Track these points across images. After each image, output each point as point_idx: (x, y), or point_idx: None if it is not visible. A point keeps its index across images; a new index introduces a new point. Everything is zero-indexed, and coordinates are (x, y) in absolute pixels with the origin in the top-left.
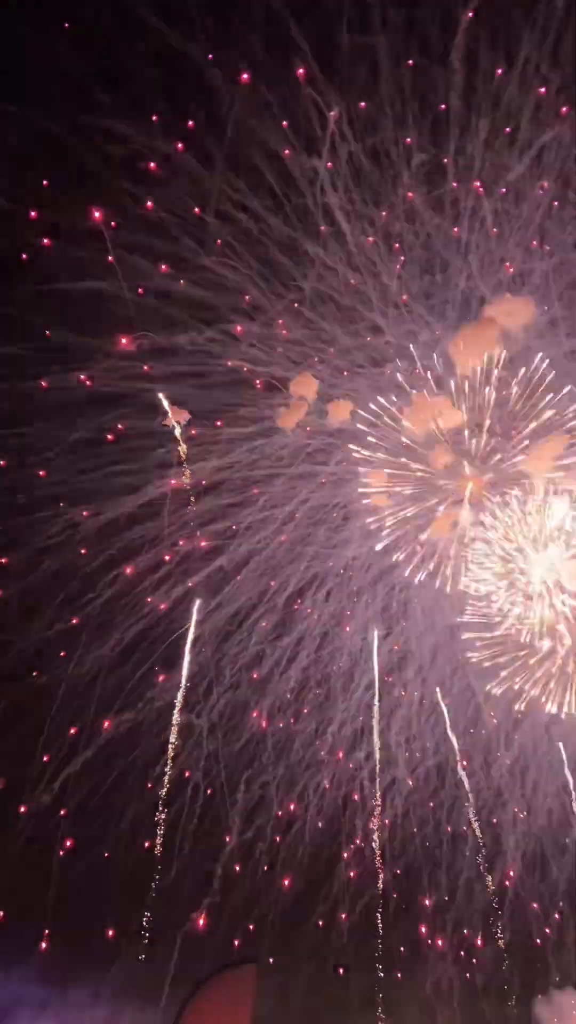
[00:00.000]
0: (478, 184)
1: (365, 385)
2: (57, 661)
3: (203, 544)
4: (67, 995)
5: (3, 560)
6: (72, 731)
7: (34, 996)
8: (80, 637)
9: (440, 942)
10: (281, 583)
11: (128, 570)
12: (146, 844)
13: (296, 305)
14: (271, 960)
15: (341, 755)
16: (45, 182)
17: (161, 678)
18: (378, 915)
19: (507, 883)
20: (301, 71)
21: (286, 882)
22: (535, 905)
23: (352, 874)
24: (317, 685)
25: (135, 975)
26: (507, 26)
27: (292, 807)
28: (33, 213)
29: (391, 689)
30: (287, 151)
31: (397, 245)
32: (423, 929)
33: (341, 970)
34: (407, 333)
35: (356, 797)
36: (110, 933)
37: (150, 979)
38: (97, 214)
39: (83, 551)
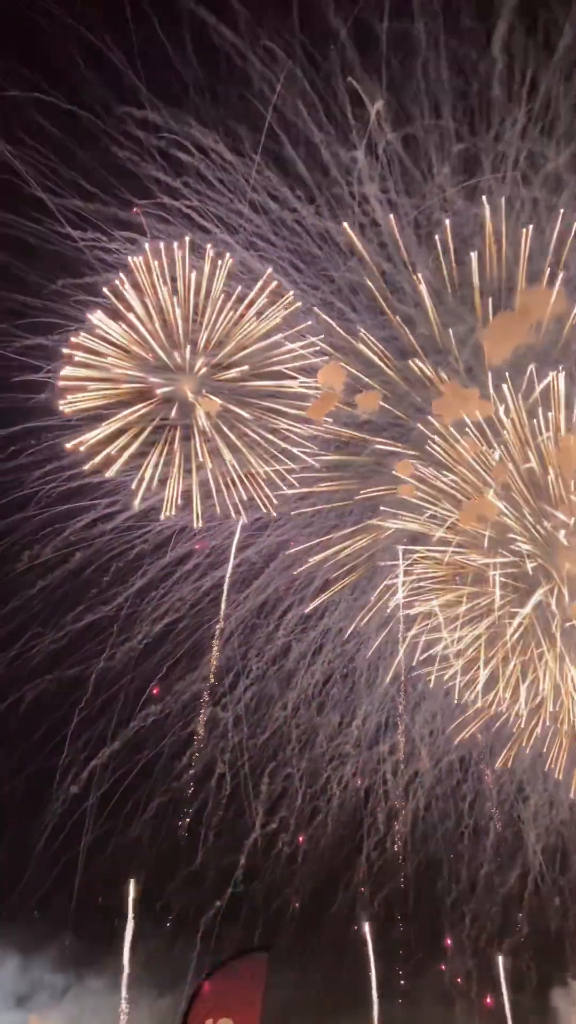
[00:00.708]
0: (514, 173)
1: (395, 376)
2: (87, 653)
3: (231, 536)
4: (86, 982)
5: (35, 553)
6: (100, 723)
7: (53, 983)
8: (110, 630)
9: (459, 934)
10: (308, 574)
11: (157, 563)
12: (170, 834)
13: (328, 295)
14: (287, 949)
15: (364, 748)
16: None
17: (188, 671)
18: (397, 907)
19: (527, 876)
20: (338, 58)
21: (306, 872)
22: (555, 897)
23: (372, 866)
24: (342, 679)
25: (155, 963)
26: (547, 13)
27: (315, 800)
28: (65, 203)
29: (416, 682)
30: (322, 139)
31: (432, 235)
32: (442, 921)
33: None
34: (438, 324)
35: (378, 790)
36: (132, 921)
37: (169, 968)
38: (135, 208)
39: (113, 544)
